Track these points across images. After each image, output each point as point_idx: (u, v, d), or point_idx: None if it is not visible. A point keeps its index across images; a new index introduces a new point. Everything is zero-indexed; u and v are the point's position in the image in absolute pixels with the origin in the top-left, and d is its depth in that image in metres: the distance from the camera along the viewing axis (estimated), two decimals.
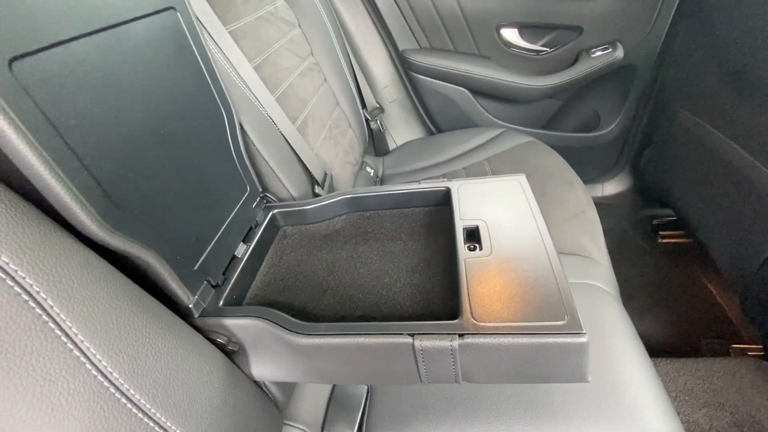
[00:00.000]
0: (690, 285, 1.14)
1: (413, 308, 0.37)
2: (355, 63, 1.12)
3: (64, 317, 0.27)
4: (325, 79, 0.94)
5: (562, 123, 1.31)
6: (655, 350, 0.97)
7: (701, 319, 1.04)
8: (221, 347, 0.43)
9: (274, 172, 0.59)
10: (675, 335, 1.03)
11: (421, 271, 0.42)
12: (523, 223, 0.43)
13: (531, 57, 1.16)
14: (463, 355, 0.36)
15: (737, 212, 0.84)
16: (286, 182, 0.61)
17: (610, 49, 1.10)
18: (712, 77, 0.90)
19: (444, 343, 0.35)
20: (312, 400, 0.61)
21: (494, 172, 1.00)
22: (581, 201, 0.85)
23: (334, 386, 0.64)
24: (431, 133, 1.32)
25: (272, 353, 0.42)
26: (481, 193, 0.49)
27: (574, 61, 1.15)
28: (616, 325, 0.62)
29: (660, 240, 1.28)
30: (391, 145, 1.28)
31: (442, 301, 0.38)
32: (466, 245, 0.42)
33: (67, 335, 0.27)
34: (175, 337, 0.35)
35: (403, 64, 1.21)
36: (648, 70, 1.13)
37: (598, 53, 1.10)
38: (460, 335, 0.35)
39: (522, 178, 0.51)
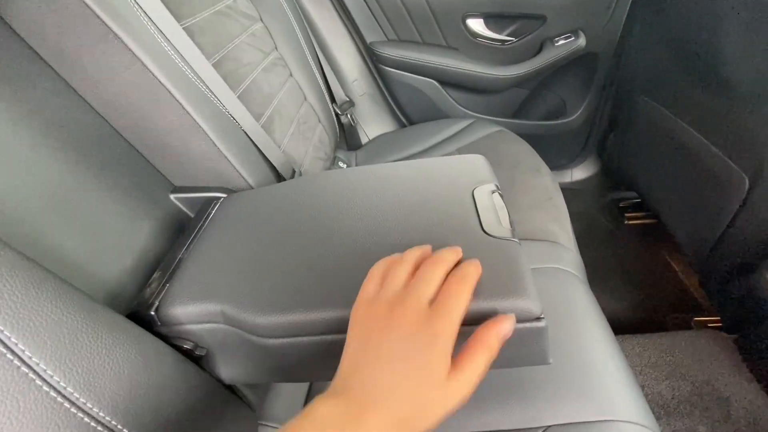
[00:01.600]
0: (655, 264, 1.19)
1: None
2: (322, 57, 1.10)
3: (8, 333, 0.26)
4: (291, 74, 0.93)
5: (530, 112, 1.34)
6: (624, 328, 1.01)
7: (666, 295, 1.09)
8: (188, 353, 0.42)
9: (237, 171, 0.58)
10: (642, 312, 1.07)
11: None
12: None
13: (497, 47, 1.18)
14: None
15: (694, 193, 0.88)
16: (252, 181, 0.60)
17: (573, 38, 1.12)
18: (667, 64, 0.93)
19: None
20: (289, 398, 0.61)
21: None
22: (548, 188, 0.87)
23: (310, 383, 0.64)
24: (403, 126, 1.32)
25: (241, 355, 0.42)
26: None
27: (539, 50, 1.17)
28: (582, 306, 0.64)
29: (626, 222, 1.33)
30: (364, 139, 1.27)
31: None
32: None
33: (12, 352, 0.26)
34: (135, 347, 0.35)
35: (371, 57, 1.21)
36: (609, 57, 1.16)
37: (562, 42, 1.13)
38: None
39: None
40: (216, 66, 0.65)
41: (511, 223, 0.42)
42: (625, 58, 1.12)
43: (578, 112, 1.26)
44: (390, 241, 0.41)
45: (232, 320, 0.39)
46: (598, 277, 1.19)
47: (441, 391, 0.27)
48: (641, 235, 1.28)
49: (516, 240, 0.40)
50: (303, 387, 0.64)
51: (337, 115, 1.14)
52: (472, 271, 0.33)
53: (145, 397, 0.34)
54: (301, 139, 0.86)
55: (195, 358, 0.43)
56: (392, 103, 1.29)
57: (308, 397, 0.63)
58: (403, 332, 0.29)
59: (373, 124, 1.29)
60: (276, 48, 0.90)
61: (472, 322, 0.35)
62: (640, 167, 1.11)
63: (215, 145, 0.55)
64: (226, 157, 0.57)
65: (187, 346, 0.42)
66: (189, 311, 0.41)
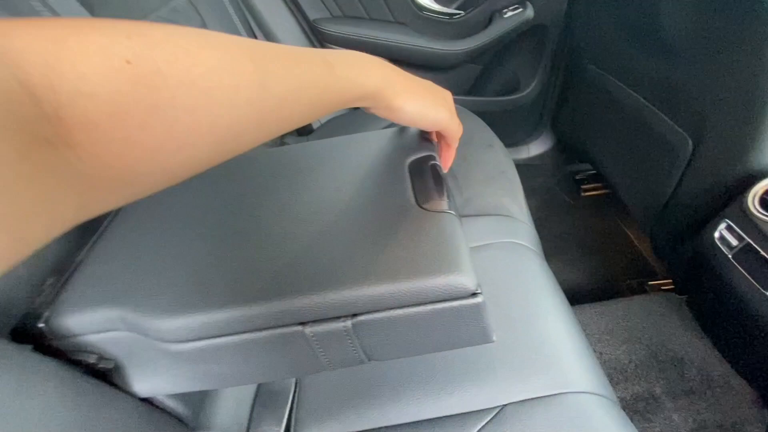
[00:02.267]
0: (611, 233, 1.22)
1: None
2: (260, 35, 1.03)
3: None
4: (205, 26, 0.85)
5: (484, 88, 1.32)
6: (582, 297, 1.03)
7: (621, 262, 1.11)
8: (92, 368, 0.37)
9: None
10: (600, 281, 1.09)
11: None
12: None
13: (446, 21, 1.14)
14: (360, 335, 0.33)
15: (642, 159, 0.88)
16: None
17: (521, 9, 1.10)
18: (612, 32, 0.93)
19: (337, 325, 0.32)
20: (232, 403, 0.56)
21: None
22: (501, 161, 0.85)
23: (258, 383, 0.59)
24: (356, 108, 1.27)
25: (152, 364, 0.37)
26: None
27: (488, 23, 1.14)
28: (537, 279, 0.63)
29: (583, 194, 1.35)
30: (315, 124, 1.21)
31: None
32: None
33: None
34: (15, 370, 0.29)
35: (316, 36, 1.14)
36: (558, 29, 1.15)
37: (510, 13, 1.10)
38: (353, 315, 0.32)
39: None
40: None
41: (447, 194, 0.39)
42: (572, 29, 1.11)
43: (531, 86, 1.25)
44: (316, 224, 0.37)
45: (134, 326, 0.34)
46: (557, 249, 1.21)
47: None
48: (597, 205, 1.30)
49: (452, 212, 0.37)
50: (250, 388, 0.59)
51: None
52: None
53: (36, 427, 0.28)
54: None
55: (101, 372, 0.37)
56: None
57: (255, 399, 0.59)
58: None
59: None
60: (205, 25, 0.82)
61: (403, 303, 0.32)
62: (592, 138, 1.12)
63: None
64: None
65: (89, 360, 0.36)
66: (84, 320, 0.35)
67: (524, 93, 1.26)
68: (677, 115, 0.74)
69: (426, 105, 0.36)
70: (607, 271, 1.12)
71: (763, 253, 0.56)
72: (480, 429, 0.48)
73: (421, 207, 0.37)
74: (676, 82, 0.73)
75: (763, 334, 0.59)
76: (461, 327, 0.34)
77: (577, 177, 1.38)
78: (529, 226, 0.75)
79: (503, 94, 1.30)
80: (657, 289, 1.00)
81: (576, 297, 1.05)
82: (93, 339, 0.36)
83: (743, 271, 0.59)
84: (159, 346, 0.34)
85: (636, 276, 1.08)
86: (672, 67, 0.74)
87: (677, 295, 0.84)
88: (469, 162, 0.84)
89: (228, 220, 0.39)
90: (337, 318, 0.32)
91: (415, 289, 0.31)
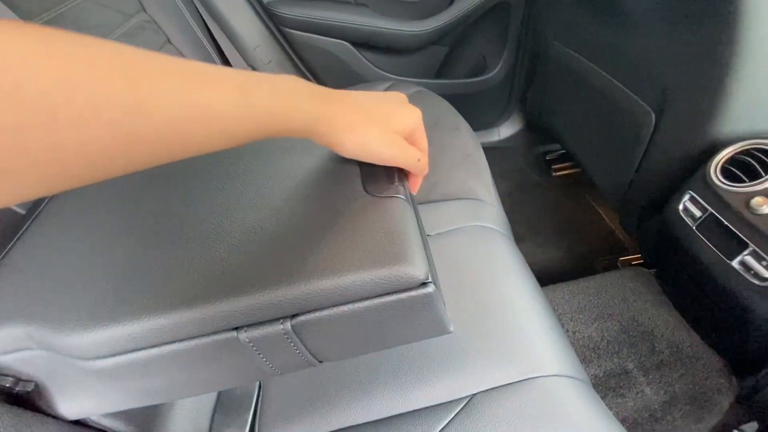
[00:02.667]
0: (582, 211, 1.22)
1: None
2: (210, 20, 0.96)
3: None
4: (169, 40, 0.79)
5: (451, 70, 1.29)
6: (556, 277, 1.03)
7: (594, 240, 1.12)
8: (8, 393, 0.32)
9: None
10: (573, 260, 1.09)
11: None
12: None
13: (407, 1, 1.10)
14: (303, 336, 0.30)
15: (608, 135, 0.88)
16: None
17: None
18: (574, 7, 0.91)
19: (275, 328, 0.29)
20: (190, 412, 0.52)
21: None
22: (467, 144, 0.83)
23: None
24: None
25: (77, 383, 0.33)
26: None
27: (451, 2, 1.10)
28: (505, 263, 0.61)
29: (554, 174, 1.35)
30: None
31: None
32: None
33: None
34: None
35: (272, 20, 1.08)
36: (521, 6, 1.13)
37: None
38: (293, 315, 0.29)
39: None
40: None
41: (398, 178, 0.36)
42: (535, 5, 1.09)
43: (498, 67, 1.23)
44: (252, 218, 0.33)
45: (45, 344, 0.30)
46: (530, 230, 1.20)
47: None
48: (569, 184, 1.30)
49: (401, 196, 0.34)
50: (211, 395, 0.55)
51: None
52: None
53: None
54: None
55: (21, 396, 0.33)
56: (304, 70, 1.18)
57: (218, 406, 0.55)
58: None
59: None
60: (144, 9, 0.76)
61: (347, 298, 0.29)
62: (559, 117, 1.11)
63: None
64: None
65: (4, 383, 0.32)
66: None
67: (491, 74, 1.24)
68: (640, 89, 0.73)
69: (370, 142, 0.31)
70: (579, 249, 1.12)
71: (725, 222, 0.56)
72: (450, 420, 0.46)
73: (369, 194, 0.34)
74: (638, 56, 0.72)
75: (728, 304, 0.59)
76: (415, 319, 0.31)
77: (548, 157, 1.38)
78: (497, 209, 0.73)
79: (471, 76, 1.27)
80: (628, 264, 1.01)
81: (550, 277, 1.05)
82: (5, 360, 0.32)
83: (707, 242, 0.58)
84: (77, 364, 0.30)
85: (608, 252, 1.08)
86: (633, 40, 0.72)
87: (647, 270, 0.85)
88: (435, 146, 0.82)
89: (155, 220, 0.35)
90: (275, 320, 0.29)
91: (359, 283, 0.28)
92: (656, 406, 0.67)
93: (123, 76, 0.18)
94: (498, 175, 1.44)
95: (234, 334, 0.29)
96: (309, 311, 0.29)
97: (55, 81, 0.16)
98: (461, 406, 0.47)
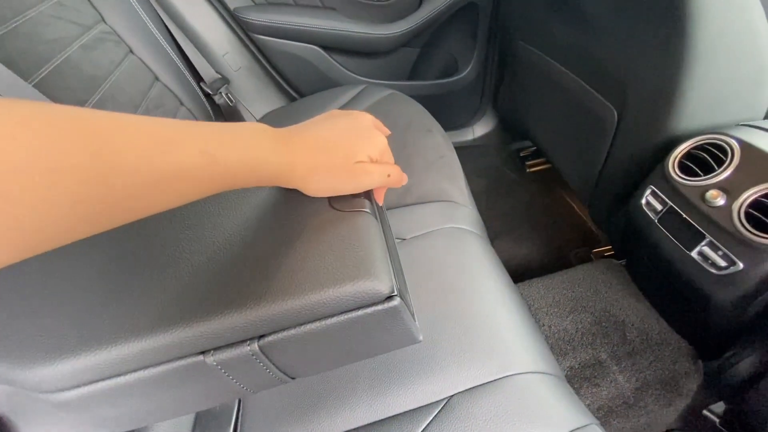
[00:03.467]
0: (556, 205, 1.25)
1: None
2: (176, 29, 0.94)
3: None
4: (131, 51, 0.77)
5: (423, 72, 1.30)
6: (533, 272, 1.05)
7: (568, 233, 1.15)
8: None
9: None
10: (549, 254, 1.12)
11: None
12: None
13: (376, 4, 1.10)
14: (272, 356, 0.30)
15: (575, 133, 0.90)
16: None
17: None
18: (537, 8, 0.93)
19: (242, 350, 0.29)
20: (169, 429, 0.52)
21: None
22: (440, 146, 0.84)
23: None
24: (292, 100, 1.21)
25: (42, 415, 0.32)
26: None
27: (419, 4, 1.11)
28: (479, 264, 0.62)
29: (528, 170, 1.38)
30: (249, 120, 1.14)
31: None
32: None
33: None
34: None
35: (240, 26, 1.06)
36: (489, 6, 1.14)
37: None
38: (260, 336, 0.29)
39: None
40: None
41: (366, 192, 0.37)
42: (503, 6, 1.11)
43: (469, 67, 1.25)
44: (215, 240, 0.33)
45: (4, 378, 0.29)
46: (506, 227, 1.23)
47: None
48: (542, 180, 1.33)
49: (366, 210, 0.34)
50: (188, 416, 0.55)
51: (208, 95, 1.00)
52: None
53: None
54: None
55: None
56: (276, 76, 1.17)
57: (197, 424, 0.55)
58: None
59: (257, 101, 1.16)
60: (103, 20, 0.74)
61: (313, 317, 0.29)
62: (529, 115, 1.13)
63: None
64: None
65: None
66: None
67: (463, 74, 1.26)
68: (603, 88, 0.75)
69: (334, 182, 0.32)
70: (554, 243, 1.15)
71: (684, 215, 0.58)
72: (429, 422, 0.47)
73: (333, 208, 0.34)
74: (599, 56, 0.74)
75: (690, 292, 0.62)
76: (383, 332, 0.32)
77: (522, 154, 1.40)
78: (471, 209, 0.74)
79: (442, 77, 1.28)
80: (600, 256, 1.04)
81: (526, 272, 1.07)
82: None
83: (668, 234, 0.61)
84: (40, 396, 0.29)
85: (582, 245, 1.12)
86: (595, 41, 0.75)
87: (617, 261, 0.88)
88: (408, 149, 0.83)
89: (116, 245, 0.34)
90: (242, 342, 0.29)
91: (324, 301, 0.28)
92: (629, 393, 0.70)
93: (84, 147, 0.18)
94: (474, 174, 1.47)
95: (201, 358, 0.29)
96: (276, 331, 0.29)
97: (17, 162, 0.15)
98: (440, 408, 0.48)
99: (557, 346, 0.75)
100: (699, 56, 0.57)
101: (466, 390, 0.48)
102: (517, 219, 1.23)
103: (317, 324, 0.29)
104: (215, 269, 0.30)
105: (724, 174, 0.55)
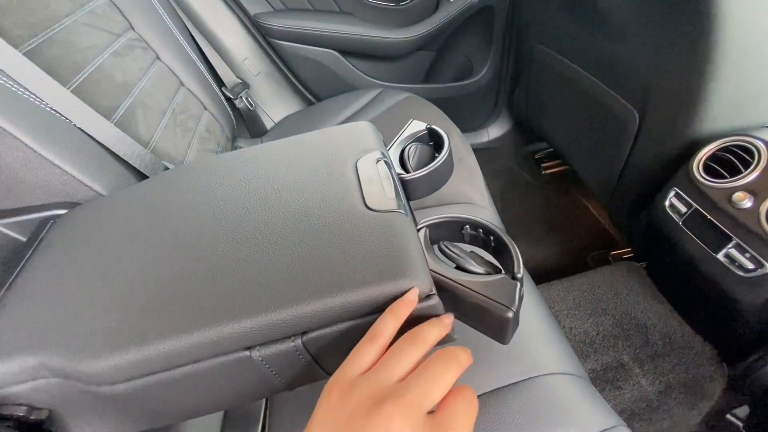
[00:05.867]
0: (573, 207, 1.25)
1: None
2: (198, 35, 0.97)
3: None
4: (158, 58, 0.80)
5: (439, 75, 1.31)
6: (550, 275, 1.05)
7: (585, 236, 1.14)
8: (22, 422, 0.33)
9: (77, 179, 0.47)
10: (566, 257, 1.12)
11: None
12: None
13: (392, 8, 1.11)
14: (314, 351, 0.31)
15: (594, 135, 0.90)
16: (102, 189, 0.49)
17: None
18: (556, 10, 0.93)
19: (287, 345, 0.30)
20: (199, 428, 0.53)
21: None
22: (459, 148, 0.84)
23: None
24: (310, 104, 1.23)
25: (91, 408, 0.34)
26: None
27: (435, 8, 1.12)
28: None
29: (543, 172, 1.37)
30: (269, 123, 1.16)
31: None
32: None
33: None
34: None
35: (260, 31, 1.09)
36: (504, 10, 1.15)
37: None
38: (303, 333, 0.30)
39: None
40: (32, 54, 0.52)
41: (397, 192, 0.37)
42: (519, 9, 1.12)
43: (484, 70, 1.25)
44: (257, 238, 0.34)
45: (59, 372, 0.30)
46: (522, 229, 1.22)
47: None
48: (558, 182, 1.33)
49: (401, 211, 0.35)
50: (217, 414, 0.56)
51: (230, 100, 1.02)
52: (464, 360, 0.27)
53: None
54: (180, 131, 0.75)
55: (35, 424, 0.34)
56: (294, 80, 1.19)
57: (225, 423, 0.56)
58: None
59: (276, 105, 1.18)
60: (132, 28, 0.76)
61: (355, 314, 0.30)
62: (546, 117, 1.13)
63: (35, 151, 0.44)
64: (55, 164, 0.45)
65: (18, 413, 0.33)
66: (1, 372, 0.31)
67: (478, 77, 1.26)
68: (623, 89, 0.75)
69: None
70: (571, 245, 1.14)
71: (709, 217, 0.58)
72: None
73: (369, 208, 0.35)
74: (619, 57, 0.74)
75: (715, 295, 0.61)
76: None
77: (537, 156, 1.40)
78: (491, 211, 0.75)
79: (458, 80, 1.29)
80: (618, 258, 1.04)
81: (544, 274, 1.07)
82: (18, 390, 0.32)
83: (693, 236, 0.61)
84: (91, 389, 0.31)
85: (599, 247, 1.11)
86: (615, 41, 0.75)
87: (637, 263, 0.87)
88: None
89: (161, 243, 0.36)
90: (286, 338, 0.30)
91: (366, 299, 0.29)
92: (652, 396, 0.69)
93: None
94: (489, 176, 1.46)
95: (247, 353, 0.30)
96: (318, 328, 0.30)
97: None
98: None
99: (578, 348, 0.75)
100: (725, 57, 0.57)
101: (494, 390, 0.49)
102: (533, 221, 1.23)
103: (358, 321, 0.30)
104: (259, 268, 0.31)
105: (751, 176, 0.55)
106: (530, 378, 0.49)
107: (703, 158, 0.61)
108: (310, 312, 0.29)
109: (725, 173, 0.58)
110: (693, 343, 0.72)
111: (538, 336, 0.53)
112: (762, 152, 0.55)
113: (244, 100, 1.05)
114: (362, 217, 0.34)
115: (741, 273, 0.54)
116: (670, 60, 0.64)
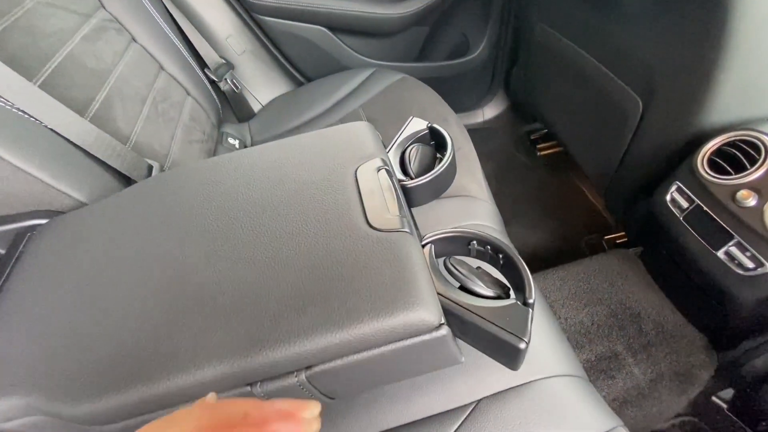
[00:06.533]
0: (567, 190, 1.24)
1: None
2: (176, 11, 0.90)
3: None
4: (134, 39, 0.74)
5: (433, 53, 1.25)
6: (544, 260, 1.05)
7: (579, 220, 1.14)
8: None
9: (53, 187, 0.43)
10: (559, 240, 1.12)
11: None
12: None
13: None
14: (317, 384, 0.30)
15: (594, 120, 0.88)
16: (83, 196, 0.46)
17: None
18: None
19: (290, 381, 0.28)
20: None
21: (370, 119, 0.92)
22: (457, 138, 0.81)
23: None
24: (299, 84, 1.17)
25: None
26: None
27: None
28: None
29: (539, 153, 1.35)
30: (256, 106, 1.11)
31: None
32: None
33: None
34: None
35: (243, 6, 1.01)
36: None
37: None
38: (307, 367, 0.28)
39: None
40: None
41: (400, 206, 0.35)
42: None
43: (481, 47, 1.20)
44: (253, 263, 0.32)
45: (48, 412, 0.28)
46: (517, 213, 1.22)
47: None
48: (553, 163, 1.31)
49: (406, 230, 0.33)
50: None
51: (213, 82, 0.96)
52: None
53: None
54: (162, 121, 0.70)
55: None
56: (282, 59, 1.12)
57: None
58: None
59: (263, 87, 1.12)
60: (102, 6, 0.70)
61: (359, 348, 0.28)
62: (544, 99, 1.10)
63: (3, 159, 0.40)
64: (28, 173, 0.42)
65: None
66: None
67: (474, 55, 1.21)
68: (627, 76, 0.73)
69: None
70: (565, 229, 1.14)
71: (711, 214, 0.57)
72: (459, 426, 0.48)
73: (372, 227, 0.33)
74: (625, 42, 0.71)
75: (711, 289, 0.62)
76: (428, 357, 0.31)
77: (533, 137, 1.38)
78: (489, 204, 0.73)
79: (453, 57, 1.24)
80: (612, 243, 1.04)
81: (538, 259, 1.07)
82: (10, 426, 0.30)
83: (693, 232, 0.60)
84: (84, 428, 0.29)
85: (593, 231, 1.11)
86: (621, 25, 0.71)
87: (633, 252, 0.87)
88: None
89: (145, 262, 0.33)
90: (289, 373, 0.28)
91: (371, 333, 0.28)
92: (644, 385, 0.71)
93: None
94: (483, 157, 1.44)
95: (248, 389, 0.28)
96: (322, 362, 0.28)
97: None
98: (468, 411, 0.48)
99: (574, 339, 0.76)
100: (739, 45, 0.54)
101: (494, 394, 0.49)
102: (527, 204, 1.22)
103: (364, 354, 0.29)
104: (255, 296, 0.29)
105: (756, 173, 0.54)
106: (530, 382, 0.49)
107: (708, 153, 0.60)
108: (314, 349, 0.27)
109: (730, 169, 0.57)
110: (685, 332, 0.74)
111: (538, 337, 0.53)
112: None
113: (229, 81, 1.00)
114: (365, 239, 0.32)
115: (740, 271, 0.54)
116: (680, 48, 0.61)
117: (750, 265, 0.53)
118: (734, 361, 0.69)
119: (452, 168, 0.48)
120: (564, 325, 0.78)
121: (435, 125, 0.49)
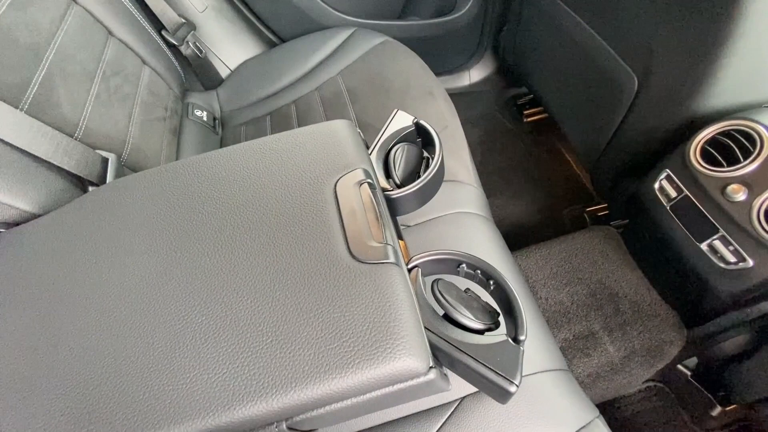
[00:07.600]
0: (551, 158, 1.22)
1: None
2: None
3: None
4: (75, 1, 0.63)
5: (417, 8, 1.15)
6: (527, 234, 1.05)
7: (562, 190, 1.14)
8: None
9: None
10: (542, 211, 1.12)
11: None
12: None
13: None
14: (299, 426, 0.28)
15: (585, 93, 0.84)
16: (27, 205, 0.41)
17: None
18: None
19: (269, 430, 0.27)
20: None
21: (350, 91, 0.85)
22: (443, 113, 0.76)
23: None
24: (272, 45, 1.07)
25: None
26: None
27: None
28: (488, 255, 0.60)
29: (525, 119, 1.31)
30: (224, 72, 1.01)
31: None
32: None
33: None
34: None
35: None
36: None
37: None
38: (286, 419, 0.27)
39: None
40: None
41: (384, 228, 0.32)
42: None
43: (469, 4, 1.11)
44: (226, 301, 0.29)
45: None
46: (502, 182, 1.20)
47: None
48: (539, 130, 1.28)
49: (391, 260, 0.30)
50: None
51: (173, 47, 0.86)
52: None
53: None
54: (116, 100, 0.63)
55: None
56: (250, 16, 1.01)
57: None
58: None
59: (230, 48, 1.01)
60: None
61: (343, 397, 0.27)
62: (533, 64, 1.04)
63: None
64: None
65: None
66: None
67: (461, 13, 1.12)
68: (625, 51, 0.68)
69: None
70: (548, 199, 1.14)
71: (699, 206, 0.57)
72: (442, 424, 0.49)
73: (353, 256, 0.30)
74: (626, 14, 0.66)
75: (691, 277, 0.63)
76: (415, 396, 0.30)
77: (519, 102, 1.33)
78: (476, 189, 0.70)
79: (438, 15, 1.14)
80: (593, 214, 1.05)
81: (520, 234, 1.08)
82: None
83: (678, 223, 0.60)
84: None
85: (575, 202, 1.11)
86: None
87: (614, 229, 0.88)
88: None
89: (98, 291, 0.30)
90: (269, 424, 0.27)
91: (355, 384, 0.26)
92: (617, 361, 0.74)
93: None
94: (469, 123, 1.39)
95: None
96: (303, 412, 0.27)
97: None
98: (452, 409, 0.49)
99: (553, 318, 0.78)
100: (747, 30, 0.50)
101: (478, 391, 0.49)
102: (511, 173, 1.20)
103: (347, 401, 0.27)
104: (225, 342, 0.27)
105: (749, 167, 0.53)
106: None
107: (702, 141, 0.58)
108: (294, 403, 0.25)
109: (722, 160, 0.55)
110: (659, 311, 0.76)
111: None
112: (765, 140, 0.52)
113: (191, 45, 0.89)
114: (347, 272, 0.29)
115: (722, 264, 0.55)
116: (685, 26, 0.57)
117: (732, 259, 0.54)
118: (703, 337, 0.73)
119: (440, 173, 0.45)
120: (544, 305, 0.79)
121: (421, 121, 0.45)
